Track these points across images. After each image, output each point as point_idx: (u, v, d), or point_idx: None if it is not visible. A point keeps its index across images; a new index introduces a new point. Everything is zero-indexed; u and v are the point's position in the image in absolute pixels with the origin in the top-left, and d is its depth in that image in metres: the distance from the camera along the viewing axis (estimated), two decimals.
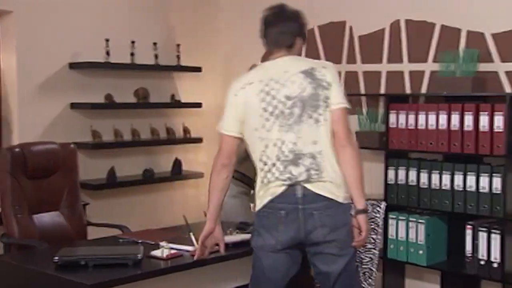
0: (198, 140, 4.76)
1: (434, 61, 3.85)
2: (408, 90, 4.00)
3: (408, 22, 3.99)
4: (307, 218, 2.30)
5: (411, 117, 3.76)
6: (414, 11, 3.95)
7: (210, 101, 4.96)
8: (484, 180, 3.48)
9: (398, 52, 4.04)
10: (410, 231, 3.73)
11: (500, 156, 3.41)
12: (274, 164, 2.33)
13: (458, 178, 3.57)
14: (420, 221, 3.69)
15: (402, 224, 3.77)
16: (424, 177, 3.70)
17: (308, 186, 2.31)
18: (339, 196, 2.36)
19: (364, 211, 2.41)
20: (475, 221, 3.54)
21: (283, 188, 2.33)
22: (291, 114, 2.31)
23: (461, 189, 3.55)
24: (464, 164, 3.56)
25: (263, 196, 2.38)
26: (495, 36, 3.60)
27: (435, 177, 3.67)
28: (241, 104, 2.41)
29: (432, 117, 3.68)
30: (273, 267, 2.40)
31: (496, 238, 3.42)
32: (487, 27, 3.63)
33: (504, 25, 3.55)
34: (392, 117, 3.84)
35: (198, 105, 4.75)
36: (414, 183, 3.74)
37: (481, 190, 3.47)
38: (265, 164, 2.35)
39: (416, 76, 3.96)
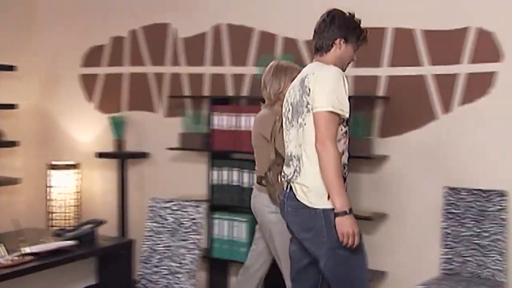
0: (13, 144, 4.43)
1: (254, 64, 4.01)
2: (230, 93, 4.12)
3: (229, 26, 4.11)
4: (287, 213, 2.53)
5: (233, 119, 3.88)
6: (234, 15, 4.08)
7: (28, 103, 4.66)
8: None
9: (220, 55, 4.14)
10: (233, 230, 3.84)
11: None
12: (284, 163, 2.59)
13: None
14: (243, 220, 3.81)
15: (225, 224, 3.87)
16: (246, 177, 3.83)
17: (293, 185, 2.49)
18: (307, 200, 2.41)
19: (338, 213, 2.35)
20: None
21: (285, 184, 2.57)
22: (289, 119, 2.54)
23: None
24: None
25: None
26: (308, 42, 3.85)
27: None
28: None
29: (253, 119, 3.81)
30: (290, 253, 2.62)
31: None
32: (299, 34, 3.86)
33: None
34: (215, 119, 3.92)
35: (13, 106, 4.43)
36: (237, 183, 3.86)
37: None
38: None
39: (238, 79, 4.09)
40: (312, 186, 2.41)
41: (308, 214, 2.41)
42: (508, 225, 3.27)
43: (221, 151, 3.93)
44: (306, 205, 2.42)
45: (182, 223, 3.01)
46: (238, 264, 3.91)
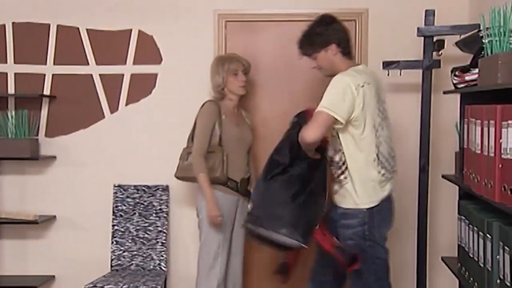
0: None
1: None
2: None
3: None
4: (393, 208, 2.63)
5: None
6: None
7: None
8: None
9: None
10: None
11: None
12: (387, 160, 2.55)
13: None
14: None
15: None
16: None
17: (391, 181, 2.60)
18: None
19: None
20: None
21: (392, 180, 2.59)
22: (379, 122, 2.55)
23: None
24: None
25: (380, 190, 2.52)
26: None
27: None
28: (360, 99, 2.48)
29: None
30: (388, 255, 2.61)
31: None
32: None
33: None
34: None
35: None
36: None
37: None
38: (379, 160, 2.51)
39: None
40: None
41: None
42: (170, 217, 3.49)
43: None
44: None
45: None
46: None
